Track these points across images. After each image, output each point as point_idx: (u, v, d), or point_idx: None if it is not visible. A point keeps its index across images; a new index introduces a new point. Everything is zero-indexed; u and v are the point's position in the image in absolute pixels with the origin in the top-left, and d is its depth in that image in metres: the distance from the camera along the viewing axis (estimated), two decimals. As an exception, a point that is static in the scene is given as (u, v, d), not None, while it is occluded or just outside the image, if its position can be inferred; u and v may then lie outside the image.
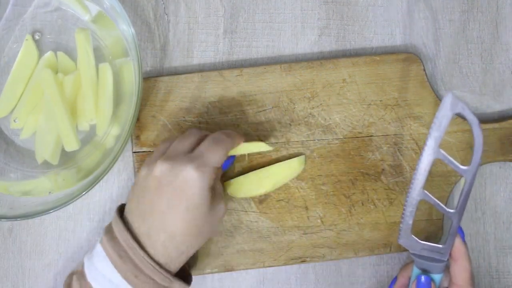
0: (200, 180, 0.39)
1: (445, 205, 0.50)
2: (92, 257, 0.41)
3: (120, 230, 0.40)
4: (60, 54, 0.49)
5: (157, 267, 0.39)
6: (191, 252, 0.42)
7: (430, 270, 0.43)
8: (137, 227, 0.40)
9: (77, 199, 0.43)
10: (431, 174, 0.50)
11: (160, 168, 0.40)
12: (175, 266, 0.41)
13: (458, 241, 0.42)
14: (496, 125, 0.51)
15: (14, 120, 0.48)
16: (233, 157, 0.48)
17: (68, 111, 0.47)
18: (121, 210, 0.43)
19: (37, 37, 0.49)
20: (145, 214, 0.40)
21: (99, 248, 0.41)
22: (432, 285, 0.42)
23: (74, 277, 0.41)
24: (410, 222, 0.43)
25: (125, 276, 0.39)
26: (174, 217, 0.39)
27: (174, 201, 0.39)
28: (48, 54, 0.48)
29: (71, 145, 0.47)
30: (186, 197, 0.39)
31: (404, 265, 0.47)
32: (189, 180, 0.39)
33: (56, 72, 0.48)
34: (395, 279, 0.46)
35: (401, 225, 0.43)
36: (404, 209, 0.43)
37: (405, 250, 0.49)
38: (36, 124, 0.48)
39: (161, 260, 0.40)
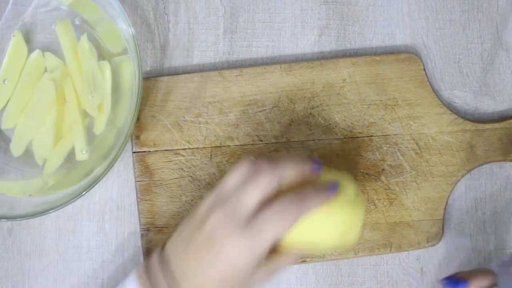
0: (246, 260, 0.36)
1: (445, 205, 0.50)
2: None
3: (161, 280, 0.38)
4: (48, 54, 0.49)
5: None
6: None
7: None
8: (172, 263, 0.39)
9: (77, 199, 0.43)
10: (431, 175, 0.50)
11: (213, 224, 0.37)
12: None
13: None
14: (496, 125, 0.51)
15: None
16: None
17: (83, 123, 0.47)
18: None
19: (77, 22, 0.48)
20: (188, 258, 0.38)
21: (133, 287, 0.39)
22: None
23: None
24: None
25: None
26: (212, 276, 0.37)
27: (216, 264, 0.37)
28: (35, 54, 0.48)
29: (83, 156, 0.47)
30: (228, 267, 0.37)
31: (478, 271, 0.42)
32: (238, 252, 0.36)
33: (44, 71, 0.48)
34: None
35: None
36: None
37: (405, 250, 0.49)
38: (26, 125, 0.48)
39: None
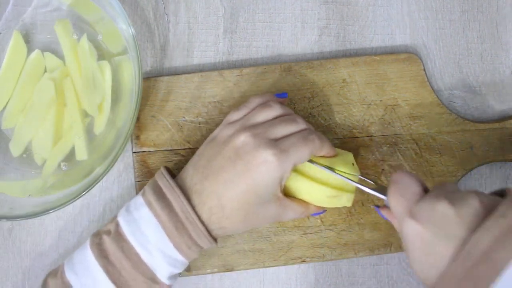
0: (275, 170, 0.38)
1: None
2: (138, 222, 0.40)
3: (177, 199, 0.39)
4: (47, 54, 0.49)
5: (211, 239, 0.40)
6: (228, 232, 0.41)
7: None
8: (194, 184, 0.40)
9: (77, 199, 0.43)
10: (431, 175, 0.50)
11: (243, 140, 0.39)
12: (215, 232, 0.41)
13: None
14: (496, 125, 0.51)
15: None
16: (324, 211, 0.45)
17: (83, 123, 0.47)
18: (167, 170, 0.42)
19: (75, 37, 0.48)
20: (209, 175, 0.40)
21: (147, 213, 0.40)
22: (385, 211, 0.41)
23: (106, 238, 0.40)
24: None
25: (178, 247, 0.39)
26: (234, 190, 0.39)
27: (241, 177, 0.39)
28: (35, 54, 0.48)
29: (83, 155, 0.47)
30: (253, 179, 0.39)
31: None
32: (265, 165, 0.38)
33: (44, 71, 0.48)
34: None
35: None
36: None
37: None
38: (26, 125, 0.48)
39: (207, 225, 0.40)
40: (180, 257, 0.40)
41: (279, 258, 0.49)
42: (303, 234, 0.49)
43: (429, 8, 0.53)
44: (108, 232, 0.41)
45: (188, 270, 0.48)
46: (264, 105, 0.42)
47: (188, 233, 0.39)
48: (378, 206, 0.42)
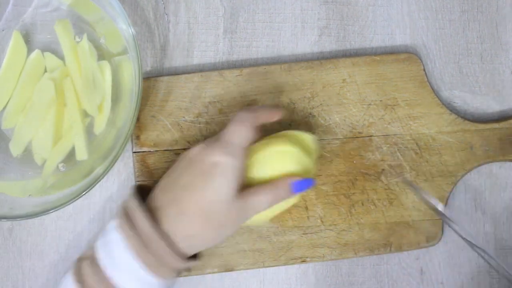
0: (225, 163, 0.40)
1: (445, 205, 0.50)
2: (109, 245, 0.40)
3: (142, 219, 0.39)
4: (47, 54, 0.49)
5: (179, 258, 0.39)
6: (198, 244, 0.41)
7: None
8: (157, 199, 0.41)
9: (77, 199, 0.43)
10: (431, 175, 0.50)
11: (194, 150, 0.42)
12: (184, 247, 0.40)
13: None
14: (496, 125, 0.51)
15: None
16: (310, 181, 0.43)
17: (83, 123, 0.47)
18: (138, 191, 0.42)
19: (78, 39, 0.48)
20: (167, 188, 0.41)
21: (116, 236, 0.40)
22: None
23: (85, 263, 0.40)
24: None
25: (149, 267, 0.39)
26: (190, 194, 0.40)
27: (196, 180, 0.40)
28: (35, 54, 0.48)
29: (83, 155, 0.47)
30: (208, 179, 0.40)
31: None
32: (215, 162, 0.40)
33: (44, 71, 0.48)
34: None
35: None
36: None
37: (405, 250, 0.49)
38: (26, 125, 0.48)
39: (173, 239, 0.40)
40: (154, 280, 0.39)
41: (279, 258, 0.49)
42: (303, 234, 0.49)
43: (429, 8, 0.53)
44: (86, 258, 0.41)
45: (188, 270, 0.48)
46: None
47: (154, 251, 0.39)
48: None
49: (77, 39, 0.48)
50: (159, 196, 0.42)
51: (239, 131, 0.41)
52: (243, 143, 0.41)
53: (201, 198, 0.40)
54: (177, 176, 0.41)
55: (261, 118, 0.43)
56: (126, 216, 0.40)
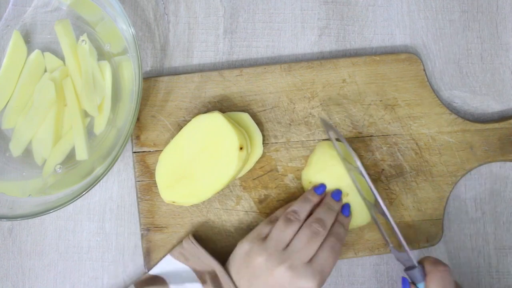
0: None
1: (445, 205, 0.50)
2: None
3: (228, 284, 0.43)
4: (47, 54, 0.49)
5: None
6: None
7: (412, 279, 0.43)
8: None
9: (77, 199, 0.43)
10: (431, 175, 0.50)
11: (283, 275, 0.42)
12: None
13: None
14: (496, 125, 0.51)
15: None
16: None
17: (83, 123, 0.47)
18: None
19: (83, 43, 0.48)
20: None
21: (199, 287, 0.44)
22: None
23: None
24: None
25: None
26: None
27: None
28: (35, 54, 0.48)
29: (83, 155, 0.47)
30: None
31: None
32: None
33: (44, 71, 0.48)
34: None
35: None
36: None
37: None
38: (26, 125, 0.48)
39: None
40: None
41: (279, 258, 0.49)
42: (303, 234, 0.49)
43: (429, 8, 0.53)
44: None
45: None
46: (285, 220, 0.44)
47: None
48: (407, 281, 0.44)
49: (82, 44, 0.48)
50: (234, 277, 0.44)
51: (334, 262, 0.43)
52: (330, 272, 0.43)
53: None
54: (262, 285, 0.43)
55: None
56: (213, 276, 0.44)
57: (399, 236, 0.43)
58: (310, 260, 0.42)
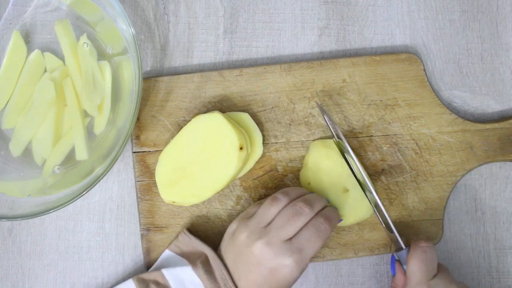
0: (296, 273, 0.42)
1: (445, 205, 0.50)
2: (181, 277, 0.44)
3: (217, 268, 0.44)
4: (47, 54, 0.49)
5: None
6: None
7: (401, 260, 0.45)
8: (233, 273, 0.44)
9: (77, 199, 0.43)
10: (431, 175, 0.50)
11: (260, 250, 0.41)
12: None
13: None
14: (496, 125, 0.51)
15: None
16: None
17: (83, 123, 0.47)
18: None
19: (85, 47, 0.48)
20: (240, 277, 0.43)
21: (190, 271, 0.44)
22: (397, 265, 0.45)
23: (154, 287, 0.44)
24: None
25: None
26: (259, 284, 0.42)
27: (267, 279, 0.42)
28: (35, 54, 0.48)
29: (83, 155, 0.47)
30: (278, 280, 0.42)
31: None
32: (287, 268, 0.41)
33: (44, 71, 0.48)
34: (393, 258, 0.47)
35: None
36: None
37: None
38: (26, 125, 0.48)
39: None
40: None
41: (279, 258, 0.49)
42: (303, 234, 0.49)
43: (429, 8, 0.53)
44: (156, 283, 0.45)
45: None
46: (271, 199, 0.44)
47: None
48: (394, 258, 0.45)
49: (85, 47, 0.48)
50: (232, 267, 0.44)
51: (317, 244, 0.42)
52: (314, 254, 0.42)
53: (274, 285, 0.42)
54: (246, 268, 0.42)
55: (333, 229, 0.44)
56: (204, 261, 0.44)
57: (385, 214, 0.44)
58: (291, 239, 0.42)
